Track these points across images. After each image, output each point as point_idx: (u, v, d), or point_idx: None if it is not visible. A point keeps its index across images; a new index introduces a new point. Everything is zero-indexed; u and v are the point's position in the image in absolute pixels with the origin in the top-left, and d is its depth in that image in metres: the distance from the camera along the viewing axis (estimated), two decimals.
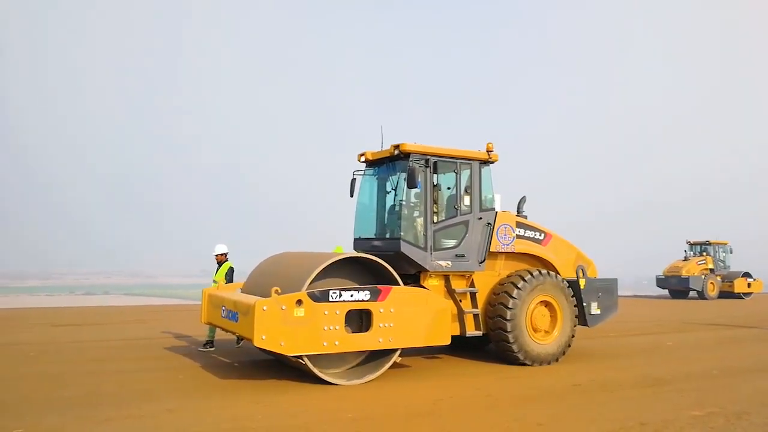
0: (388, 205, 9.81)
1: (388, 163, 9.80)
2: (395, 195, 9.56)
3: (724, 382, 8.91)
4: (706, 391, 8.23)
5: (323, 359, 8.35)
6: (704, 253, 31.56)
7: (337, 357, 8.55)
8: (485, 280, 10.05)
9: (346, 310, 8.08)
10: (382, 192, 10.02)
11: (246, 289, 9.43)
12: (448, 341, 8.89)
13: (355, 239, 10.34)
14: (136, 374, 8.85)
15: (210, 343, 10.73)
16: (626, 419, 6.71)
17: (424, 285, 9.51)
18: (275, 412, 6.80)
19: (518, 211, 11.01)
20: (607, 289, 10.94)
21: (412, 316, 8.57)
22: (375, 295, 8.30)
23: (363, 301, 8.22)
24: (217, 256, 10.84)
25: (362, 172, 10.36)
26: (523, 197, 11.15)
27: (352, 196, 10.45)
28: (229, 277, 10.74)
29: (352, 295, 8.15)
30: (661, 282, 31.49)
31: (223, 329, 9.16)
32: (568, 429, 6.41)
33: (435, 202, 9.46)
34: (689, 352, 11.96)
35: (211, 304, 9.48)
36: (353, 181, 10.40)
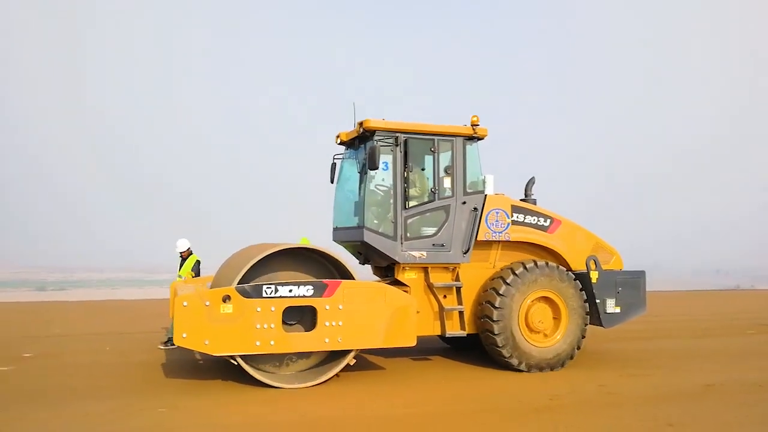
0: (357, 190, 8.86)
1: (358, 144, 8.85)
2: (361, 178, 8.60)
3: None
4: None
5: (275, 358, 7.65)
6: None
7: (294, 356, 7.81)
8: (476, 274, 8.81)
9: (284, 307, 7.30)
10: (354, 176, 9.08)
11: (213, 283, 8.93)
12: (412, 342, 7.81)
13: (333, 229, 9.50)
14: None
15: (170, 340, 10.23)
16: None
17: (399, 279, 8.50)
18: (315, 408, 6.79)
19: (526, 195, 9.63)
20: (629, 283, 9.21)
21: (365, 313, 7.60)
22: (320, 291, 7.44)
23: (304, 297, 7.39)
24: (182, 252, 10.40)
25: (342, 156, 9.49)
26: (532, 178, 9.73)
27: (332, 182, 9.61)
28: (196, 269, 10.29)
29: (290, 291, 7.35)
30: None
31: None
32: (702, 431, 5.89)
33: (406, 184, 8.37)
34: None
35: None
36: (333, 165, 9.57)
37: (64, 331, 12.66)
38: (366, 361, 9.23)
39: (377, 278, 9.28)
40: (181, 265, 10.40)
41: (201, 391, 7.30)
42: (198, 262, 10.37)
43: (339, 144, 9.34)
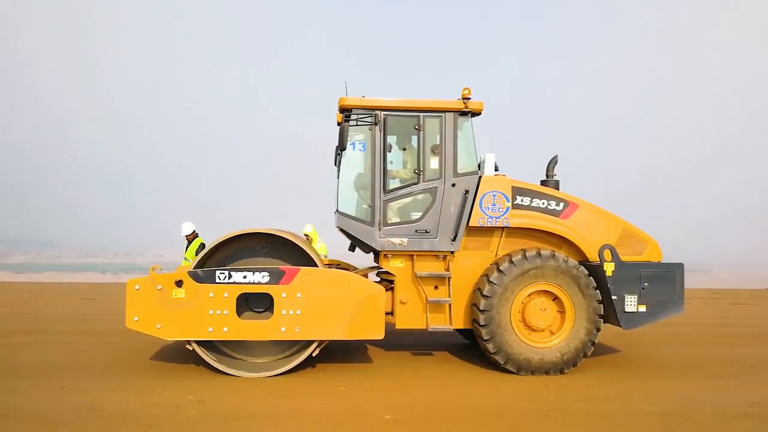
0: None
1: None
2: (338, 160, 8.12)
3: None
4: None
5: (250, 344, 7.51)
6: None
7: (270, 344, 7.60)
8: (472, 263, 7.93)
9: (238, 293, 7.10)
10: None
11: None
12: (380, 335, 7.21)
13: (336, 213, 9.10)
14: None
15: None
16: None
17: (384, 267, 7.93)
18: (518, 394, 6.72)
19: (547, 175, 8.51)
20: (660, 278, 7.70)
21: (326, 303, 7.16)
22: (276, 278, 7.13)
23: (260, 283, 7.14)
24: (187, 236, 10.53)
25: None
26: (554, 157, 8.57)
27: (336, 164, 9.21)
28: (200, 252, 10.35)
29: (245, 277, 7.13)
30: None
31: None
32: None
33: (386, 166, 7.74)
34: None
35: None
36: (337, 147, 9.15)
37: None
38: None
39: (375, 265, 8.75)
40: (186, 248, 10.62)
41: (377, 373, 7.55)
42: (202, 245, 10.51)
43: (337, 125, 8.91)
